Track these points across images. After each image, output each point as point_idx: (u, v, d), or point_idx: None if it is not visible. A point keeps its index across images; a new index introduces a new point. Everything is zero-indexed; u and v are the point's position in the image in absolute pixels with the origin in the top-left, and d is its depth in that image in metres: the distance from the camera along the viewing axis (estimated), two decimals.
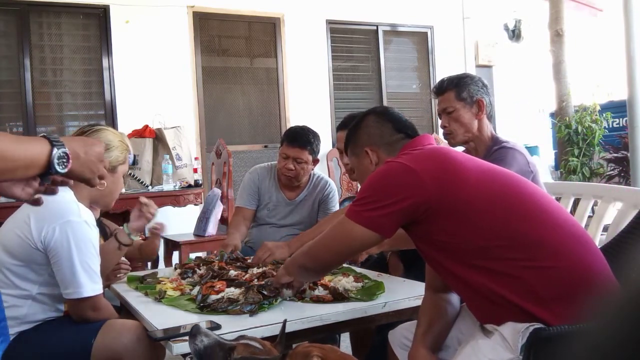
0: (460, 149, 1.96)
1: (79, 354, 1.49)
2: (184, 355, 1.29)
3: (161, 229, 2.10)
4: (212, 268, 1.93)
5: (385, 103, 5.83)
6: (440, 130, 2.20)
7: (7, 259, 1.55)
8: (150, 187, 3.89)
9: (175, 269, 2.07)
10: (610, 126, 6.31)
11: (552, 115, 6.59)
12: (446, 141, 2.15)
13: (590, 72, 7.89)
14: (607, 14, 8.25)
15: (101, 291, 1.58)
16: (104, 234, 2.14)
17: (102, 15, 4.64)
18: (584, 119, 5.97)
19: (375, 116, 1.55)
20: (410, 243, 1.37)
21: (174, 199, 3.76)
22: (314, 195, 2.64)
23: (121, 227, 1.90)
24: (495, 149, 1.98)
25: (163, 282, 1.89)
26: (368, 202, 1.28)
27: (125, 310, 1.78)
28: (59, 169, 0.96)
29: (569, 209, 2.19)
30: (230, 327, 1.37)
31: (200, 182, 4.13)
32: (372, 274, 1.92)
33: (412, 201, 1.23)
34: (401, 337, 1.49)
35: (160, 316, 1.51)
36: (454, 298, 1.44)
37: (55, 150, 0.95)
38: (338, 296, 1.60)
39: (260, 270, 1.89)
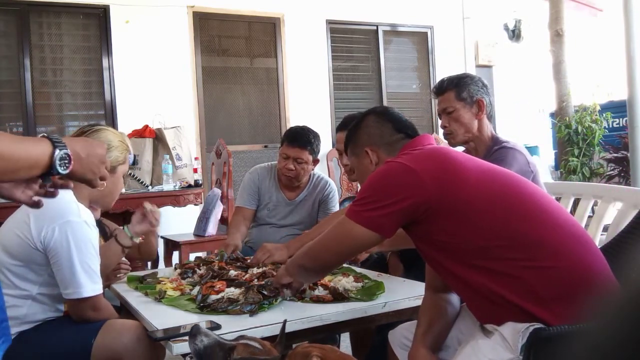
0: (460, 149, 1.96)
1: (79, 354, 1.49)
2: (184, 355, 1.29)
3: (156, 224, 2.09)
4: (212, 268, 1.93)
5: (385, 103, 5.83)
6: (440, 130, 2.19)
7: (7, 259, 1.55)
8: (150, 187, 3.89)
9: (175, 269, 2.07)
10: (610, 126, 6.31)
11: (552, 115, 6.59)
12: (446, 141, 2.15)
13: (590, 72, 7.89)
14: (607, 14, 8.25)
15: (101, 291, 1.58)
16: (104, 234, 2.13)
17: (102, 15, 4.64)
18: (584, 119, 5.97)
19: (375, 116, 1.55)
20: (410, 243, 1.37)
21: (174, 199, 3.76)
22: (314, 195, 2.64)
23: (121, 227, 1.90)
24: (496, 149, 1.98)
25: (163, 282, 1.89)
26: (368, 202, 1.28)
27: (125, 310, 1.78)
28: (60, 170, 0.96)
29: (569, 209, 2.19)
30: (230, 327, 1.37)
31: (200, 182, 4.13)
32: (372, 274, 1.92)
33: (412, 201, 1.23)
34: (401, 337, 1.49)
35: (160, 316, 1.51)
36: (454, 298, 1.44)
37: (57, 152, 0.95)
38: (338, 296, 1.60)
39: (260, 270, 1.89)
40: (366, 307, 1.55)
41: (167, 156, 3.95)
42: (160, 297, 1.68)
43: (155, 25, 4.80)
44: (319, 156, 2.61)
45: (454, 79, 2.06)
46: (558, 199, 2.23)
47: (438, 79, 2.26)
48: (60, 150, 0.96)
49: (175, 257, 3.52)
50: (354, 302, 1.59)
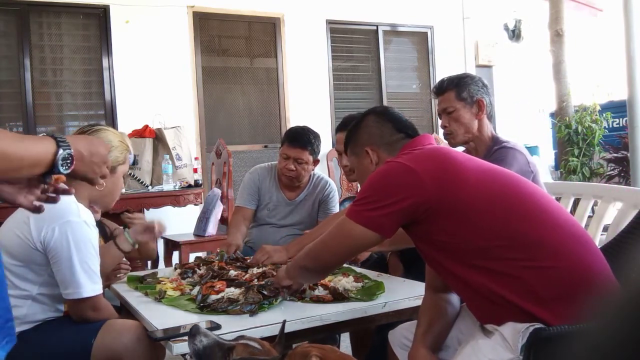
0: (460, 149, 1.96)
1: (79, 354, 1.49)
2: (184, 355, 1.29)
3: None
4: (212, 268, 1.93)
5: (385, 103, 5.82)
6: (440, 130, 2.19)
7: (7, 259, 1.55)
8: (150, 187, 3.89)
9: (175, 269, 2.07)
10: (610, 126, 6.31)
11: (552, 115, 6.59)
12: (446, 141, 2.15)
13: (590, 72, 7.89)
14: (607, 14, 8.25)
15: (101, 291, 1.58)
16: (104, 234, 2.13)
17: (102, 15, 4.64)
18: (584, 119, 5.97)
19: (376, 116, 1.55)
20: (410, 243, 1.37)
21: (174, 199, 3.76)
22: (314, 195, 2.64)
23: (121, 227, 1.90)
24: (496, 149, 1.98)
25: (163, 282, 1.89)
26: (368, 202, 1.28)
27: (125, 310, 1.77)
28: (62, 169, 0.97)
29: (569, 209, 2.19)
30: (230, 327, 1.37)
31: (200, 182, 4.13)
32: (372, 274, 1.92)
33: (412, 201, 1.23)
34: (401, 337, 1.49)
35: (160, 316, 1.51)
36: (454, 298, 1.44)
37: (60, 151, 0.96)
38: (338, 296, 1.60)
39: (260, 270, 1.89)
40: (366, 307, 1.55)
41: (167, 156, 3.95)
42: (160, 297, 1.68)
43: (155, 25, 4.80)
44: (319, 156, 2.61)
45: (454, 79, 2.06)
46: (558, 199, 2.23)
47: (438, 79, 2.26)
48: (64, 150, 0.96)
49: (175, 257, 3.52)
50: (354, 302, 1.58)
